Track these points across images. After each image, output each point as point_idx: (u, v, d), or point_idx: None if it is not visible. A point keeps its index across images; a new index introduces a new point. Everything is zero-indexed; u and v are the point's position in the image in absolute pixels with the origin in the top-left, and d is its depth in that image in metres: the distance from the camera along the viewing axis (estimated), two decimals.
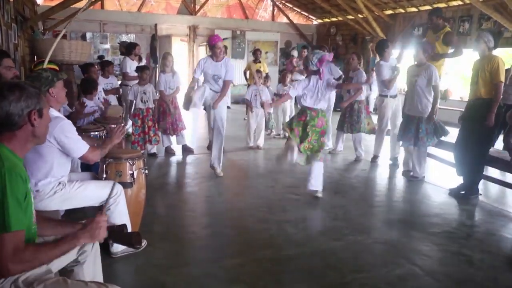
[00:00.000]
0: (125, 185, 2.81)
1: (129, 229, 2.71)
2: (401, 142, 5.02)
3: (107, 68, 6.31)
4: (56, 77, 2.47)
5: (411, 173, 4.85)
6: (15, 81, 1.61)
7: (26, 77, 2.57)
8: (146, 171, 3.12)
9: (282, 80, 7.16)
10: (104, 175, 2.86)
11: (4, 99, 1.47)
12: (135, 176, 2.93)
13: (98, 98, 4.90)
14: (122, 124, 2.81)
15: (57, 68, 4.25)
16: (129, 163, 2.91)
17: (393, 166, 5.44)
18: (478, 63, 4.07)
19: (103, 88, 5.89)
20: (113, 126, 4.09)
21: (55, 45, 3.35)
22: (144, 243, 2.91)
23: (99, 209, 1.79)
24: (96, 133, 3.66)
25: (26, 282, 1.47)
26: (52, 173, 2.43)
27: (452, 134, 5.06)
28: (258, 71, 6.77)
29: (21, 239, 1.42)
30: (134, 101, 5.39)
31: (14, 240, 1.38)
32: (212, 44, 4.54)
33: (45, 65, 3.20)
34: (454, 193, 4.31)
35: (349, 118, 5.67)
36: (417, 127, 4.55)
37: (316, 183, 4.05)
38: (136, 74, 6.06)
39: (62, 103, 2.66)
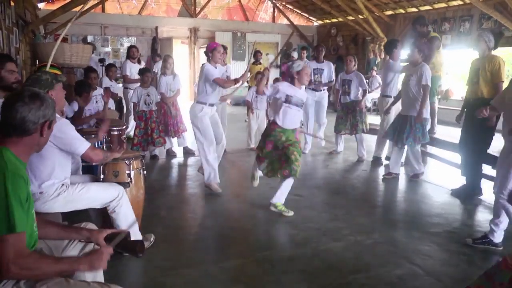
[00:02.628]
0: (123, 185, 2.82)
1: (136, 228, 2.73)
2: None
3: (110, 71, 6.27)
4: (55, 80, 2.48)
5: (411, 173, 4.85)
6: (35, 89, 1.66)
7: (27, 79, 2.57)
8: (145, 172, 3.13)
9: (286, 70, 7.11)
10: (102, 176, 2.88)
11: (25, 105, 1.50)
12: (132, 176, 2.94)
13: (96, 102, 4.91)
14: (123, 149, 2.85)
15: (58, 72, 4.26)
16: (126, 163, 2.92)
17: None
18: (477, 62, 4.06)
19: (107, 88, 5.88)
20: (115, 132, 4.09)
21: (56, 49, 3.37)
22: (152, 238, 2.94)
23: (109, 241, 1.80)
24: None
25: (28, 284, 1.48)
26: (55, 174, 2.44)
27: (452, 134, 5.06)
28: (259, 72, 6.77)
29: (23, 241, 1.43)
30: (138, 103, 5.42)
31: (17, 242, 1.40)
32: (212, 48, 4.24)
33: (48, 69, 3.22)
34: (456, 193, 4.30)
35: (353, 120, 5.66)
36: (413, 127, 4.53)
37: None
38: (136, 77, 6.10)
39: (61, 106, 2.67)
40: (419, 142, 4.59)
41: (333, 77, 6.13)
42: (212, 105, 4.27)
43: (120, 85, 6.82)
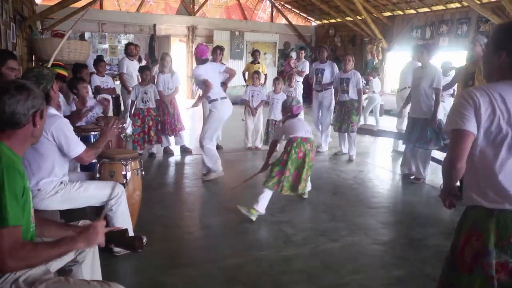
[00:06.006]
0: None
1: (131, 229, 2.72)
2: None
3: (99, 66, 6.19)
4: (54, 74, 2.46)
5: (413, 176, 4.85)
6: (20, 80, 1.63)
7: (25, 75, 2.52)
8: (143, 172, 3.11)
9: (288, 82, 7.11)
10: (98, 175, 2.86)
11: (12, 98, 1.48)
12: (128, 177, 2.91)
13: (95, 98, 4.90)
14: (116, 120, 2.71)
15: (60, 71, 4.22)
16: (122, 163, 2.89)
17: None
18: (472, 66, 4.08)
19: (98, 86, 5.86)
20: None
21: (59, 47, 3.34)
22: (144, 240, 2.92)
23: (97, 214, 1.79)
24: (96, 133, 3.64)
25: (27, 282, 1.47)
26: (54, 172, 2.43)
27: None
28: (256, 72, 6.77)
29: (19, 235, 1.42)
30: (135, 101, 5.40)
31: (11, 235, 1.38)
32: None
33: (50, 65, 3.19)
34: None
35: (350, 118, 5.66)
36: (423, 129, 4.53)
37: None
38: (133, 75, 6.08)
39: (57, 102, 2.63)
40: (433, 145, 4.56)
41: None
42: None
43: (118, 82, 6.78)
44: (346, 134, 5.91)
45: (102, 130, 2.68)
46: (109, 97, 5.49)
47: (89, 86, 5.01)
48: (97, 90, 5.74)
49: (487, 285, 1.44)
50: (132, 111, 5.51)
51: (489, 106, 1.45)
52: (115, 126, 2.65)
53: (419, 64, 5.10)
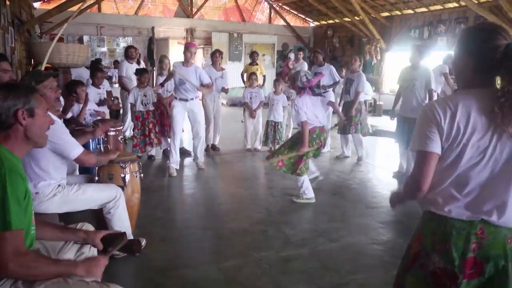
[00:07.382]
0: None
1: (129, 231, 2.72)
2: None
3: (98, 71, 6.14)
4: (35, 81, 2.41)
5: (403, 173, 4.88)
6: (8, 81, 1.64)
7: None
8: (141, 175, 3.11)
9: (290, 84, 7.05)
10: (96, 178, 2.87)
11: None
12: (127, 180, 2.92)
13: (100, 100, 4.94)
14: (118, 151, 2.94)
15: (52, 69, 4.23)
16: (121, 166, 2.91)
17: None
18: None
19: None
20: (111, 133, 4.06)
21: (51, 48, 3.35)
22: (143, 242, 2.92)
23: (104, 251, 1.80)
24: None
25: (26, 284, 1.47)
26: (51, 175, 2.43)
27: None
28: (253, 73, 6.77)
29: (21, 239, 1.42)
30: (135, 104, 5.40)
31: (14, 239, 1.39)
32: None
33: (43, 67, 3.20)
34: None
35: (350, 119, 5.63)
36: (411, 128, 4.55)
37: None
38: (132, 77, 6.07)
39: (52, 105, 2.59)
40: None
41: (337, 79, 6.17)
42: (183, 100, 4.89)
43: (117, 85, 6.78)
44: (350, 135, 5.87)
45: (107, 150, 2.91)
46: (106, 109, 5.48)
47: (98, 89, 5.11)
48: None
49: (425, 283, 1.45)
50: (132, 113, 5.50)
51: (450, 120, 1.37)
52: (115, 152, 2.87)
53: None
